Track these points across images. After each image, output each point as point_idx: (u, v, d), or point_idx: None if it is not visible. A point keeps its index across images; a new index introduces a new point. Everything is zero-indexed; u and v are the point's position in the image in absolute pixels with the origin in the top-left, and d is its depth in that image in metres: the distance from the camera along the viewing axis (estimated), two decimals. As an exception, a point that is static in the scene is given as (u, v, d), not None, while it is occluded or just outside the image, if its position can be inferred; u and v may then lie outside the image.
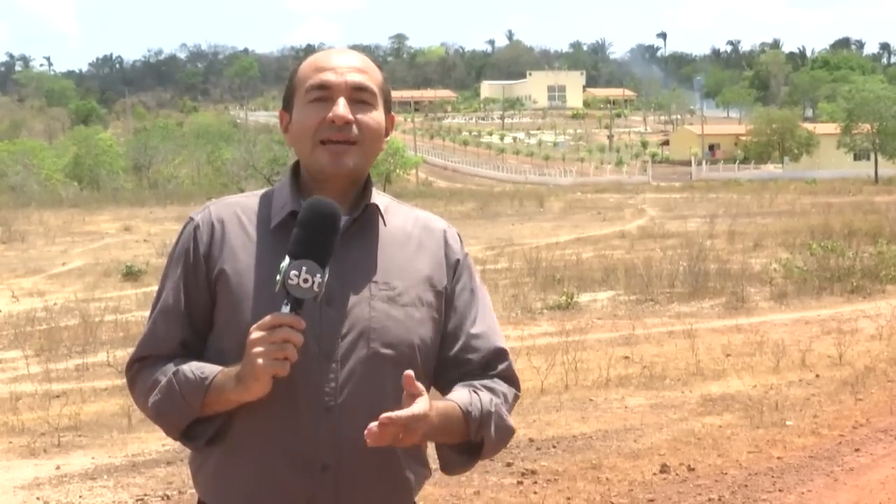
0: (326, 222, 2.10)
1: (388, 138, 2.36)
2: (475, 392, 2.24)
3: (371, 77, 2.28)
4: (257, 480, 2.20)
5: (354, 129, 2.23)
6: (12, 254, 27.93)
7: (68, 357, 12.33)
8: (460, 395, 2.22)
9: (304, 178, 2.30)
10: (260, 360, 2.04)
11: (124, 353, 11.51)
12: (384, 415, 2.00)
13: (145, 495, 6.70)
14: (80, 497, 6.77)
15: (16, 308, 16.84)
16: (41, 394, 10.03)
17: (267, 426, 2.17)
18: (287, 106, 2.32)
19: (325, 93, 2.24)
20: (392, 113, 2.36)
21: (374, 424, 2.00)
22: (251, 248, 2.24)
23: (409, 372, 2.06)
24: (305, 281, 2.05)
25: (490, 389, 2.28)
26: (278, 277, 2.06)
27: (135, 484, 6.96)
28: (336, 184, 2.26)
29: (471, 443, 2.24)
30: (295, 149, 2.30)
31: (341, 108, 2.21)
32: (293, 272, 2.05)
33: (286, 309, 2.06)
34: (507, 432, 2.29)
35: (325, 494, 2.18)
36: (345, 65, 2.26)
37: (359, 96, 2.24)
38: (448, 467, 2.32)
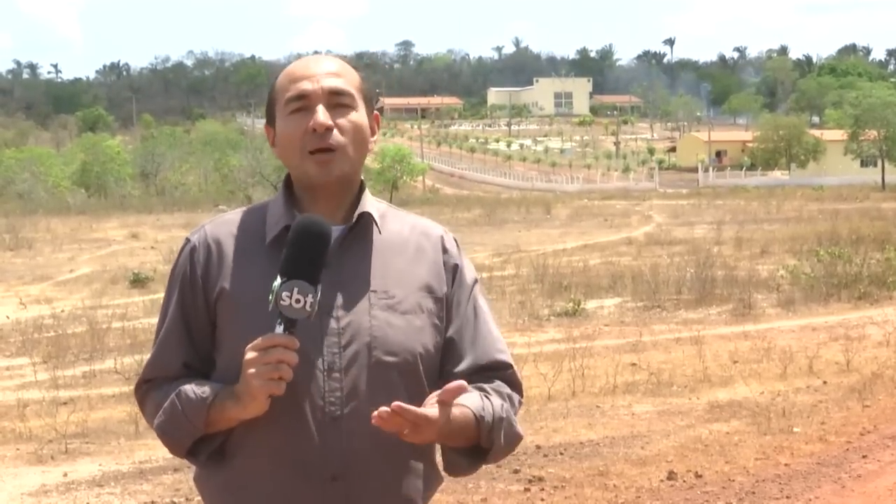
0: (316, 241, 2.10)
1: (376, 138, 2.33)
2: (486, 397, 2.24)
3: (348, 80, 2.26)
4: (267, 493, 2.20)
5: (337, 134, 2.22)
6: (20, 261, 27.99)
7: (75, 364, 12.36)
8: (472, 400, 2.20)
9: (297, 190, 2.30)
10: (255, 382, 2.07)
11: (132, 360, 11.53)
12: (397, 403, 2.02)
13: (153, 502, 6.71)
14: (88, 504, 6.78)
15: (23, 315, 16.89)
16: (48, 401, 10.05)
17: (274, 439, 2.18)
18: (270, 121, 2.31)
19: (303, 102, 2.22)
20: (376, 112, 2.34)
21: (384, 409, 2.02)
22: (248, 265, 2.24)
23: (460, 383, 2.07)
24: (297, 301, 2.05)
25: (499, 394, 2.28)
26: (270, 297, 2.07)
27: (142, 491, 6.96)
28: (328, 193, 2.25)
29: (478, 447, 2.24)
30: (284, 162, 2.30)
31: (321, 115, 2.20)
32: (285, 293, 2.05)
33: (280, 329, 2.07)
34: (515, 439, 2.29)
35: None
36: (320, 71, 2.25)
37: (337, 100, 2.23)
38: (452, 468, 2.32)
